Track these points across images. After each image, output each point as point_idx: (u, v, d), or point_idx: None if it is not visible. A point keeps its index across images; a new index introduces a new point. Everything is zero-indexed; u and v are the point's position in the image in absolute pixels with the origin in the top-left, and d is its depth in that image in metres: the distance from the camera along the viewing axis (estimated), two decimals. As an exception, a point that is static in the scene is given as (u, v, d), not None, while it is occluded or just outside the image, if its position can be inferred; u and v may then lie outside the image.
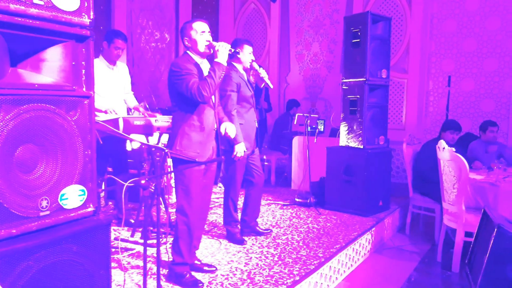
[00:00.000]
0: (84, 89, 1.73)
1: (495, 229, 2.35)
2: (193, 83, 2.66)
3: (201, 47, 2.79)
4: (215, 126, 2.93)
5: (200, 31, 2.78)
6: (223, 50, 2.76)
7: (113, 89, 3.84)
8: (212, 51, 2.81)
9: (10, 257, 1.43)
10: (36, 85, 1.57)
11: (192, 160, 2.71)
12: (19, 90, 1.51)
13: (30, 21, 1.50)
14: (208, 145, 2.87)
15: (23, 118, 1.50)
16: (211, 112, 2.87)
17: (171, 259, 2.87)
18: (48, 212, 1.61)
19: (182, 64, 2.73)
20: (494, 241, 2.35)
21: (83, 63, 1.72)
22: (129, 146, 4.34)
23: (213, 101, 2.90)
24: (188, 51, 2.84)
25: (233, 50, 2.86)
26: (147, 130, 3.58)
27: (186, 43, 2.82)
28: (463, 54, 6.43)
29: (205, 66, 2.88)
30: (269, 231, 3.95)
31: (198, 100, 2.68)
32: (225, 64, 2.77)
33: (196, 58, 2.83)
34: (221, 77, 2.75)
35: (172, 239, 2.95)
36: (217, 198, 5.25)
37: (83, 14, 1.69)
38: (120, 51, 3.79)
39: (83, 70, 1.72)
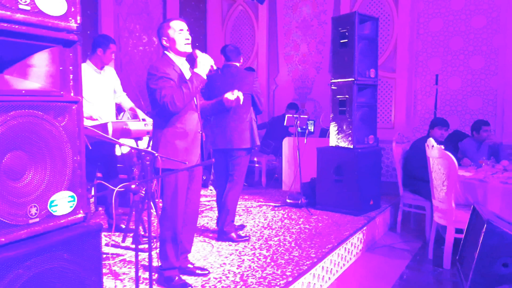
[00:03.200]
0: (72, 94, 1.71)
1: (485, 225, 2.38)
2: (167, 92, 2.56)
3: (180, 46, 2.71)
4: (200, 130, 2.86)
5: (179, 30, 2.69)
6: (204, 62, 2.69)
7: (102, 94, 3.82)
8: (194, 56, 2.74)
9: (-1, 266, 1.41)
10: (23, 91, 1.55)
11: (178, 167, 2.65)
12: (6, 96, 1.49)
13: (16, 26, 1.49)
14: (194, 151, 2.80)
15: (10, 125, 1.48)
16: (194, 115, 2.80)
17: (159, 265, 2.86)
18: (37, 219, 1.59)
19: (160, 66, 2.64)
20: (484, 237, 2.38)
21: (70, 68, 1.70)
22: (118, 151, 4.31)
23: (196, 103, 2.83)
24: (166, 52, 2.76)
25: (215, 67, 2.77)
26: (137, 134, 3.56)
27: (165, 43, 2.72)
28: (449, 52, 6.49)
29: (185, 67, 2.79)
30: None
31: (170, 110, 2.58)
32: (205, 77, 2.69)
33: (175, 58, 2.74)
34: (199, 89, 2.66)
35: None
36: (208, 201, 5.24)
37: (70, 18, 1.67)
38: (114, 54, 3.81)
39: (71, 75, 1.71)
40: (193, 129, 2.78)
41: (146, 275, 2.87)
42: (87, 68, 3.70)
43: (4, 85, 1.53)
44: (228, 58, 3.81)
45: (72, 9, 1.67)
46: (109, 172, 3.88)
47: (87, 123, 3.42)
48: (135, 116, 4.02)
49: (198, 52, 2.75)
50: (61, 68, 1.67)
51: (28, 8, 1.51)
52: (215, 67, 2.76)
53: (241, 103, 3.08)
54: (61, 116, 1.67)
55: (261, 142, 6.83)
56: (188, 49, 2.74)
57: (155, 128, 2.76)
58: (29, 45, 1.57)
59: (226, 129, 3.68)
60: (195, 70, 2.69)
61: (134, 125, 3.54)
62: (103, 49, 3.72)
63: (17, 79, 1.57)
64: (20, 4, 1.49)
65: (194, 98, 2.77)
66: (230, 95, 3.02)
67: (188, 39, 2.73)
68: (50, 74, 1.64)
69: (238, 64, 3.85)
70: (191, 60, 2.77)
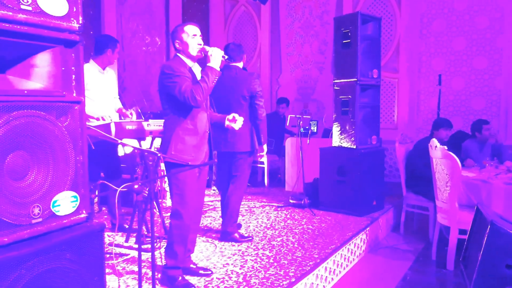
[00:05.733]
0: (74, 95, 1.71)
1: (489, 226, 2.36)
2: (186, 87, 2.64)
3: (193, 50, 2.78)
4: (208, 129, 2.92)
5: (192, 34, 2.77)
6: (216, 55, 2.74)
7: (105, 94, 3.83)
8: (203, 55, 2.80)
9: (1, 266, 1.41)
10: (26, 91, 1.55)
11: (185, 164, 2.70)
12: (8, 96, 1.49)
13: (18, 27, 1.49)
14: (202, 148, 2.86)
15: (13, 125, 1.49)
16: (204, 115, 2.86)
17: (164, 263, 2.86)
18: (40, 220, 1.59)
19: (175, 66, 2.72)
20: (487, 238, 2.36)
21: (72, 68, 1.70)
22: (120, 151, 4.31)
23: (206, 104, 2.89)
24: (179, 54, 2.83)
25: (226, 56, 2.84)
26: (140, 134, 3.57)
27: (177, 46, 2.80)
28: (452, 52, 6.47)
29: (196, 69, 2.86)
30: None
31: (191, 104, 2.66)
32: (218, 69, 2.75)
33: (188, 61, 2.81)
34: (214, 81, 2.72)
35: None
36: (211, 201, 5.24)
37: (72, 19, 1.67)
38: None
39: (73, 75, 1.71)
40: (203, 128, 2.85)
41: (149, 274, 2.87)
42: (91, 68, 3.71)
43: (7, 85, 1.53)
44: (229, 58, 3.79)
45: (74, 9, 1.67)
46: (111, 173, 3.88)
47: (95, 122, 3.46)
48: (138, 116, 4.03)
49: (207, 47, 2.80)
50: (63, 68, 1.67)
51: (30, 8, 1.52)
52: (226, 57, 2.84)
53: (237, 128, 3.10)
54: (64, 116, 1.68)
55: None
56: (201, 54, 2.81)
57: (167, 126, 2.84)
58: (31, 45, 1.57)
59: (227, 133, 3.67)
60: (208, 64, 2.75)
61: (137, 125, 3.54)
62: (112, 49, 3.78)
63: (19, 79, 1.58)
64: (22, 4, 1.49)
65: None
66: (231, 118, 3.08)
67: (200, 44, 2.79)
68: (52, 74, 1.64)
69: (241, 64, 3.83)
70: (203, 62, 2.80)
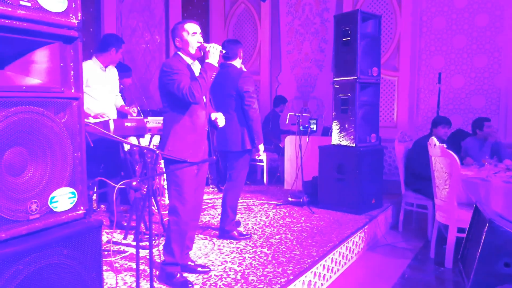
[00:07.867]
0: (72, 91, 1.71)
1: (487, 224, 2.37)
2: (185, 84, 2.65)
3: (192, 49, 2.78)
4: (207, 126, 2.92)
5: (192, 32, 2.77)
6: (214, 51, 2.75)
7: (106, 92, 3.83)
8: (203, 53, 2.80)
9: (-1, 262, 1.41)
10: (24, 87, 1.55)
11: (183, 161, 2.70)
12: (7, 92, 1.49)
13: (17, 22, 1.48)
14: (200, 145, 2.87)
15: (11, 121, 1.48)
16: (202, 113, 2.87)
17: (162, 259, 2.87)
18: (37, 216, 1.59)
19: (174, 64, 2.73)
20: (486, 236, 2.37)
21: (71, 64, 1.70)
22: (126, 146, 4.30)
23: (205, 101, 2.89)
24: (179, 52, 2.83)
25: (224, 51, 2.85)
26: (140, 131, 3.57)
27: (177, 44, 2.81)
28: (453, 50, 6.47)
29: (196, 67, 2.86)
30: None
31: (190, 101, 2.67)
32: (216, 65, 2.75)
33: (187, 59, 2.82)
34: (213, 77, 2.73)
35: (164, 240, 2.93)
36: (210, 199, 5.24)
37: (71, 15, 1.67)
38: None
39: (72, 72, 1.71)
40: (201, 125, 2.86)
41: (148, 271, 2.87)
42: (93, 65, 3.71)
43: (5, 81, 1.53)
44: (226, 54, 3.78)
45: (73, 6, 1.67)
46: (112, 170, 3.87)
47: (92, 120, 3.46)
48: (137, 113, 4.03)
49: (205, 44, 2.80)
50: (61, 64, 1.67)
51: (29, 4, 1.51)
52: (224, 51, 2.85)
53: (221, 125, 3.07)
54: (62, 113, 1.67)
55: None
56: (200, 52, 2.81)
57: (166, 123, 2.85)
58: (30, 42, 1.57)
59: (221, 131, 3.68)
60: (206, 60, 2.75)
61: (136, 123, 3.54)
62: (116, 49, 3.79)
63: (18, 75, 1.57)
64: (21, 0, 1.49)
65: (204, 97, 2.84)
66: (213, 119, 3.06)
67: (200, 42, 2.79)
68: (51, 71, 1.64)
69: (238, 61, 3.79)
70: (203, 59, 2.80)
